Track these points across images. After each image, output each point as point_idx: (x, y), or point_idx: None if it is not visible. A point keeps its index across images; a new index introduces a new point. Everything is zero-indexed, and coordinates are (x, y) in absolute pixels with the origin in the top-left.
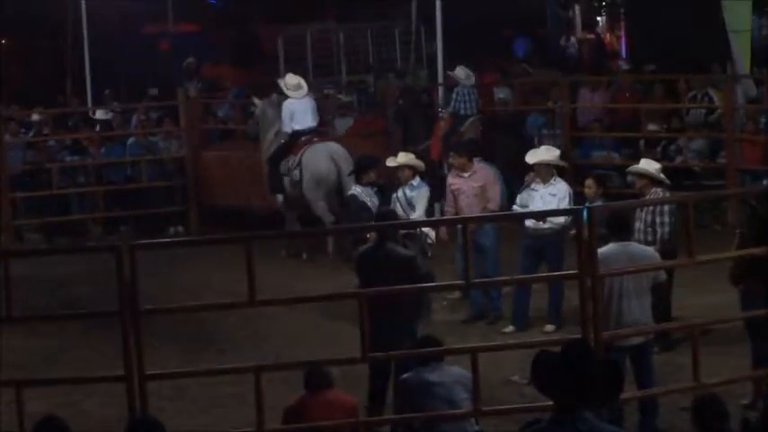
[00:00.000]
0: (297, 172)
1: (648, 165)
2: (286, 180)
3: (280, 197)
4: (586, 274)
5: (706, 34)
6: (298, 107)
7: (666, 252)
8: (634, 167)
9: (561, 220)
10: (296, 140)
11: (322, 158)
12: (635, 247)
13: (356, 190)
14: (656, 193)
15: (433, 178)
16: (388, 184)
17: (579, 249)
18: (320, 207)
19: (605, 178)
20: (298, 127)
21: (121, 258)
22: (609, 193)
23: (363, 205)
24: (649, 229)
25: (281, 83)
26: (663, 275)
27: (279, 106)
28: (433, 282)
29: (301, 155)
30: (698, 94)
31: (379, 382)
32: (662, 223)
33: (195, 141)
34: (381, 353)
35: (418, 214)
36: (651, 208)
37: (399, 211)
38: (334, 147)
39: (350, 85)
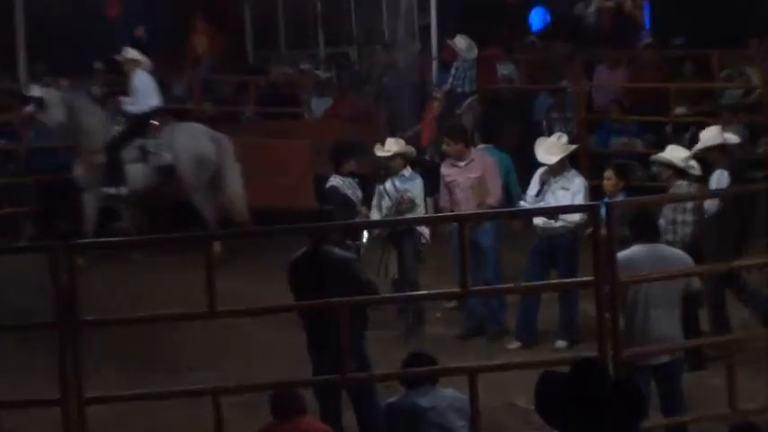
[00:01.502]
0: (166, 155)
1: (674, 152)
2: (135, 168)
3: (124, 190)
4: (605, 280)
5: (743, 3)
6: (150, 83)
7: (690, 254)
8: (658, 156)
9: (576, 217)
10: (146, 120)
11: (201, 137)
12: (663, 249)
13: (336, 181)
14: (680, 186)
15: (424, 168)
16: (372, 174)
17: (596, 252)
18: (199, 198)
19: (627, 169)
20: (154, 103)
21: (57, 260)
22: (631, 187)
23: (345, 199)
24: (670, 228)
25: (124, 55)
26: (696, 283)
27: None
28: (375, 292)
29: (171, 134)
30: (733, 73)
31: (329, 414)
32: (684, 222)
33: None
34: (323, 376)
35: (422, 211)
36: (674, 204)
37: (386, 205)
38: (206, 128)
39: (329, 59)
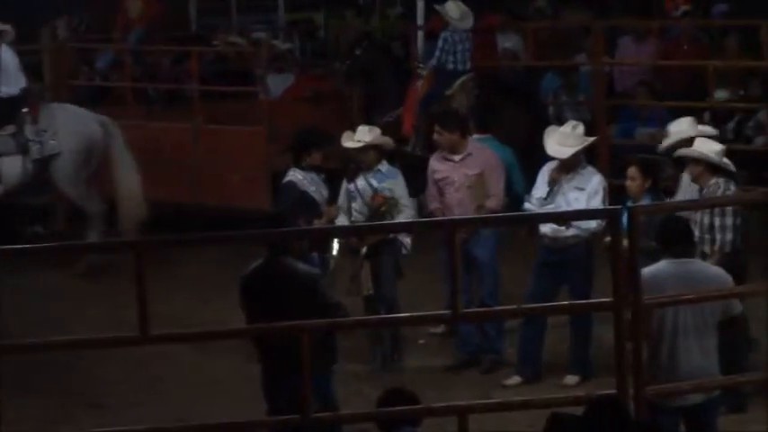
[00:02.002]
0: (52, 142)
1: (704, 145)
2: (10, 162)
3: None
4: (625, 302)
5: None
6: (15, 58)
7: (729, 269)
8: (685, 150)
9: (592, 224)
10: (17, 104)
11: (87, 120)
12: (697, 265)
13: (295, 176)
14: (717, 185)
15: (406, 163)
16: (343, 169)
17: (616, 267)
18: (80, 191)
19: (655, 166)
20: (22, 83)
21: None
22: (660, 188)
23: (304, 197)
24: (707, 237)
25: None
26: (737, 307)
27: None
28: (344, 315)
29: (50, 117)
30: None
31: None
32: (722, 227)
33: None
34: (280, 416)
35: (409, 214)
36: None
37: (357, 208)
38: (87, 110)
39: (290, 26)
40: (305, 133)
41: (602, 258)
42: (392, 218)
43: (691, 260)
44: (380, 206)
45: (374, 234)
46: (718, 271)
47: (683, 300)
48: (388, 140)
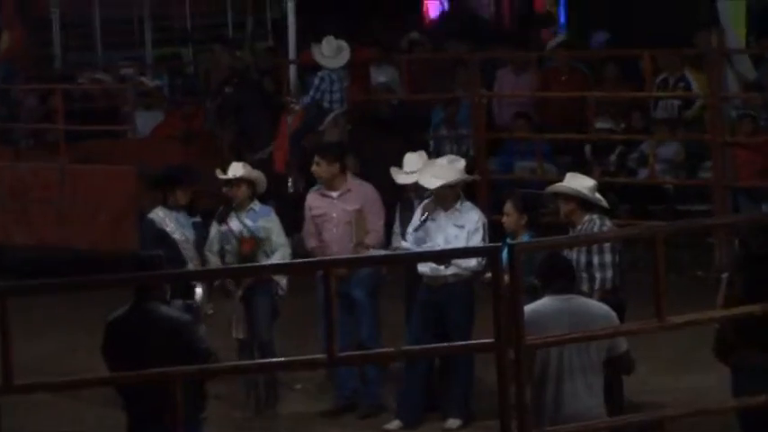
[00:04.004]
0: None
1: (575, 180)
2: None
3: None
4: (507, 342)
5: None
6: None
7: (611, 307)
8: (554, 187)
9: (472, 263)
10: None
11: None
12: (580, 302)
13: (157, 214)
14: (592, 221)
15: (281, 201)
16: (218, 209)
17: (497, 306)
18: None
19: (532, 201)
20: None
21: None
22: (541, 223)
23: (162, 237)
24: (584, 275)
25: None
26: (623, 344)
27: None
28: (213, 361)
29: None
30: (670, 79)
31: None
32: (601, 264)
33: None
34: None
35: (285, 254)
36: (585, 246)
37: (231, 249)
38: None
39: (158, 62)
40: (169, 170)
41: (483, 298)
42: (267, 258)
43: (573, 296)
44: (250, 252)
45: (248, 276)
46: (602, 307)
47: (567, 339)
48: (260, 175)
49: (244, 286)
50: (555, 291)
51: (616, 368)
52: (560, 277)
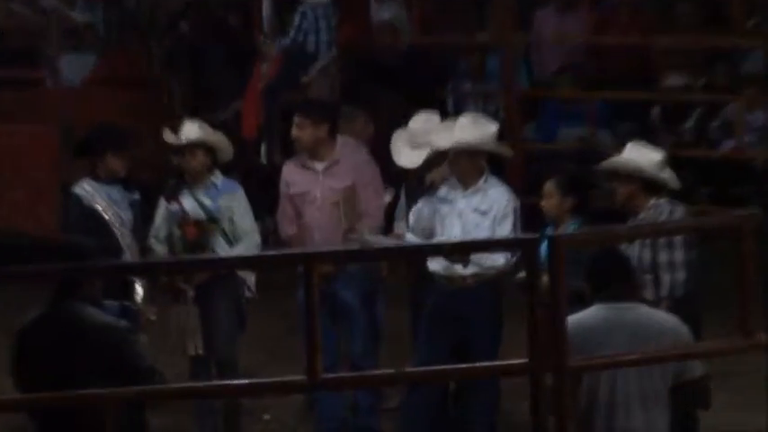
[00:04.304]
0: None
1: (637, 154)
2: None
3: None
4: (545, 364)
5: None
6: None
7: (682, 319)
8: (611, 161)
9: (499, 260)
10: None
11: None
12: (641, 312)
13: (83, 188)
14: (659, 208)
15: (252, 175)
16: (167, 183)
17: (532, 316)
18: None
19: (581, 180)
20: None
21: None
22: (592, 209)
23: (92, 216)
24: (648, 278)
25: None
26: (697, 368)
27: None
28: (158, 382)
29: None
30: (763, 21)
31: None
32: (671, 264)
33: None
34: None
35: (253, 243)
36: (650, 240)
37: (179, 235)
38: None
39: None
40: (99, 130)
41: (514, 305)
42: (229, 248)
43: (632, 305)
44: (197, 239)
45: (203, 271)
46: (669, 319)
47: (624, 361)
48: (222, 140)
49: (195, 284)
50: (608, 297)
51: (687, 399)
52: (616, 280)
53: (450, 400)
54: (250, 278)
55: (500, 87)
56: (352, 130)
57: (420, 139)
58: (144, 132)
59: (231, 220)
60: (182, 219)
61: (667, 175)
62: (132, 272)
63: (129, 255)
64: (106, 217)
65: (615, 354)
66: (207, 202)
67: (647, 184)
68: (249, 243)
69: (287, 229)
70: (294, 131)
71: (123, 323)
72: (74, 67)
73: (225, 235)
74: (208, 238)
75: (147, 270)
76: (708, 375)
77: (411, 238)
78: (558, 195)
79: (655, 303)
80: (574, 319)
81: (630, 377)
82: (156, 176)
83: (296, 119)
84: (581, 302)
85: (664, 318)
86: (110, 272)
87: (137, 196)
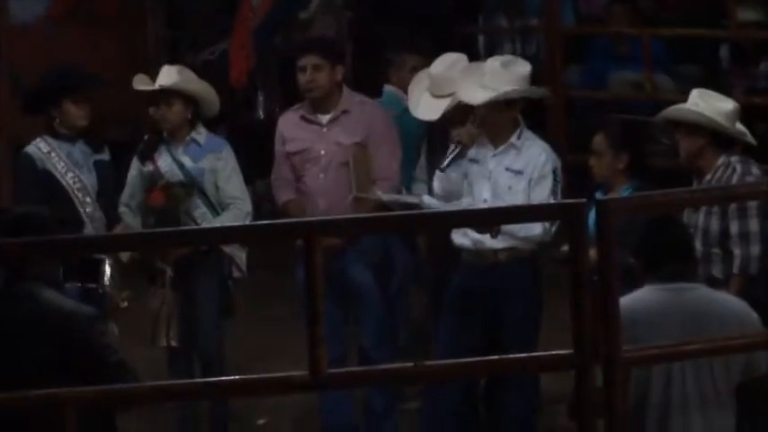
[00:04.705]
0: None
1: (704, 102)
2: None
3: None
4: (592, 355)
5: None
6: None
7: (754, 303)
8: (672, 111)
9: (536, 229)
10: None
11: None
12: (702, 294)
13: (38, 147)
14: (730, 167)
15: (236, 128)
16: (140, 140)
17: (578, 299)
18: None
19: (637, 134)
20: None
21: None
22: (650, 169)
23: (45, 179)
24: (715, 251)
25: None
26: (764, 362)
27: None
28: (132, 379)
29: None
30: None
31: None
32: (743, 235)
33: None
34: None
35: (243, 212)
36: (718, 206)
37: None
38: None
39: None
40: (55, 74)
41: (554, 284)
42: (213, 216)
43: (691, 286)
44: (163, 206)
45: (181, 246)
46: (737, 303)
47: (680, 352)
48: (206, 88)
49: (171, 260)
50: (664, 276)
51: (756, 399)
52: (673, 255)
53: (480, 398)
54: (239, 254)
55: (541, 23)
56: (403, 80)
57: (443, 86)
58: (113, 79)
59: (215, 185)
60: (149, 181)
61: (740, 128)
62: (96, 248)
63: (92, 227)
64: (63, 183)
65: (670, 344)
66: (187, 162)
67: (716, 139)
68: (238, 212)
69: (283, 194)
70: (308, 75)
71: (88, 309)
72: (26, 2)
73: (209, 202)
74: (177, 206)
75: (114, 245)
76: None
77: (431, 202)
78: (609, 152)
79: (723, 283)
80: (624, 301)
81: (688, 373)
82: (130, 132)
83: (309, 59)
84: (631, 281)
85: (730, 302)
86: (67, 248)
87: (105, 156)
